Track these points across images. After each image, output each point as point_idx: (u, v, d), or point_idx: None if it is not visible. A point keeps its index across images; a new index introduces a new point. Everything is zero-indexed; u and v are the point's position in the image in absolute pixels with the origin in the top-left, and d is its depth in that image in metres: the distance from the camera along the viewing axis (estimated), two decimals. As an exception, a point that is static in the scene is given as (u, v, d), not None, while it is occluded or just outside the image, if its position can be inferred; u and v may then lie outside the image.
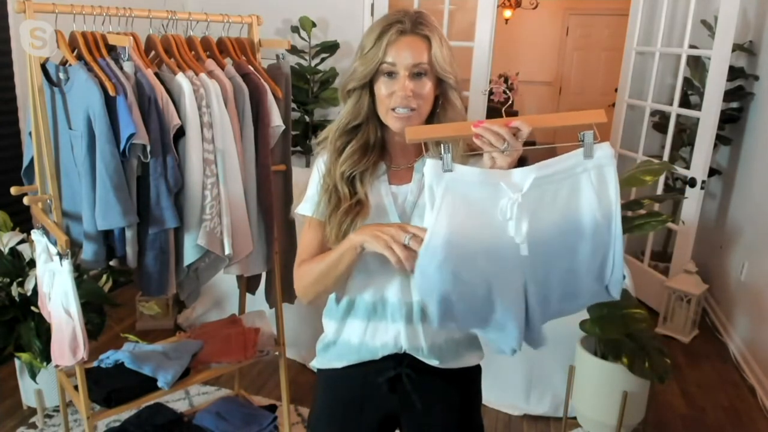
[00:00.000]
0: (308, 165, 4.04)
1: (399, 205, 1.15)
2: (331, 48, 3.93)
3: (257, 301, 2.24)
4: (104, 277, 2.38)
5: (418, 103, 1.10)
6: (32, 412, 2.39)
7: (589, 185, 1.00)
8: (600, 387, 2.26)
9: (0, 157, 2.81)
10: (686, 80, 3.55)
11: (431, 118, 1.16)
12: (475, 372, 1.28)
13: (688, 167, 3.40)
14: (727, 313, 3.36)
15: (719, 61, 3.08)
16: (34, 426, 2.33)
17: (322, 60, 3.97)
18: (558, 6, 7.77)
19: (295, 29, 3.93)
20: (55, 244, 1.65)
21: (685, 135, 3.68)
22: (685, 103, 3.58)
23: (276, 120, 1.91)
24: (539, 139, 5.45)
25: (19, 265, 2.21)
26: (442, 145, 0.98)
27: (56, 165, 1.69)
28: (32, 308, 2.12)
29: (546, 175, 0.99)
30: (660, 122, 3.79)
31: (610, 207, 1.01)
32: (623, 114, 3.88)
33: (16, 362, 2.29)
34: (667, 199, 3.30)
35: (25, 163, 1.85)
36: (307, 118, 4.01)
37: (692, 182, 3.30)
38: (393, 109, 1.10)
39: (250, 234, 1.89)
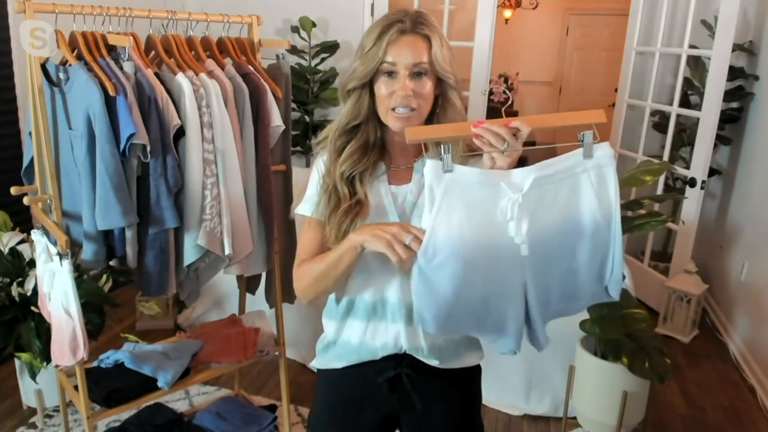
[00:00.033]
0: (308, 165, 4.04)
1: (399, 206, 1.15)
2: (331, 48, 3.93)
3: (257, 301, 2.24)
4: (104, 277, 2.39)
5: (418, 103, 1.10)
6: (32, 412, 2.39)
7: (588, 185, 1.00)
8: (600, 387, 2.26)
9: (0, 157, 2.81)
10: (686, 80, 3.55)
11: (431, 118, 1.16)
12: (475, 372, 1.28)
13: (688, 167, 3.40)
14: (727, 313, 3.36)
15: (719, 61, 3.08)
16: (34, 426, 2.33)
17: (322, 60, 3.97)
18: (558, 6, 7.77)
19: (295, 29, 3.93)
20: (55, 244, 1.65)
21: (685, 135, 3.68)
22: (685, 103, 3.58)
23: (276, 120, 1.91)
24: (539, 139, 5.44)
25: (19, 265, 2.21)
26: (442, 145, 0.98)
27: (56, 165, 1.69)
28: (32, 308, 2.12)
29: (546, 175, 0.99)
30: (660, 122, 3.79)
31: (610, 207, 1.01)
32: (623, 114, 3.88)
33: (16, 362, 2.29)
34: (667, 199, 3.30)
35: (25, 163, 1.85)
36: (307, 118, 4.01)
37: (692, 182, 3.30)
38: (393, 109, 1.10)
39: (250, 234, 1.89)
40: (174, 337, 2.18)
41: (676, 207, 3.64)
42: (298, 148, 4.01)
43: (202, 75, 1.75)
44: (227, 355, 2.02)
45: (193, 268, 1.86)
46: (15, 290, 2.15)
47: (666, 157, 3.55)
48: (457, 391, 1.25)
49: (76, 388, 1.75)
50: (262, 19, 2.06)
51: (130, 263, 1.74)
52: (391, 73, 1.10)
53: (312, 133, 3.98)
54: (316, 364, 1.30)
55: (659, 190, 3.59)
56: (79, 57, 1.65)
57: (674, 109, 3.48)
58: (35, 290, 2.05)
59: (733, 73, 3.36)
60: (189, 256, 1.78)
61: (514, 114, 6.39)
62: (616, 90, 4.09)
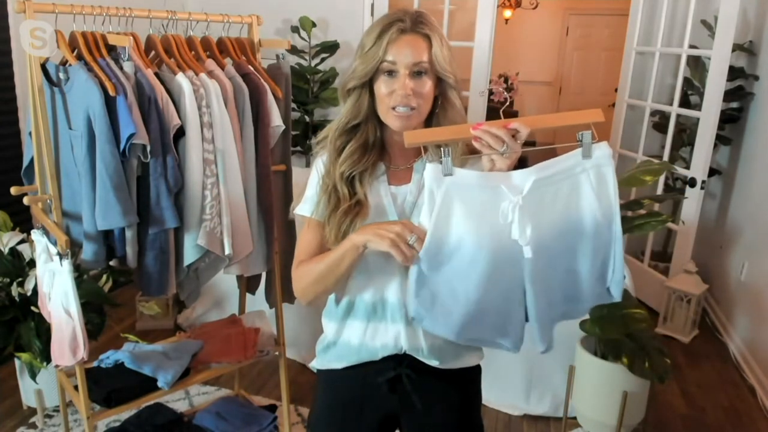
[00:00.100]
0: (308, 165, 4.04)
1: (398, 206, 1.15)
2: (331, 48, 3.93)
3: (257, 301, 2.24)
4: (104, 277, 2.38)
5: (418, 102, 1.10)
6: (32, 412, 2.39)
7: (588, 185, 1.00)
8: (600, 387, 2.26)
9: (0, 157, 2.81)
10: (686, 80, 3.55)
11: (431, 118, 1.16)
12: (475, 372, 1.28)
13: (688, 167, 3.40)
14: (727, 313, 3.36)
15: (719, 61, 3.08)
16: (34, 426, 2.33)
17: (322, 60, 3.97)
18: (558, 6, 7.77)
19: (295, 29, 3.93)
20: (55, 244, 1.65)
21: (685, 135, 3.68)
22: (685, 103, 3.58)
23: (276, 120, 1.91)
24: (539, 139, 5.45)
25: (19, 265, 2.21)
26: (441, 148, 0.98)
27: (56, 165, 1.69)
28: (32, 308, 2.12)
29: (546, 177, 0.99)
30: (660, 122, 3.79)
31: (610, 207, 1.01)
32: (623, 114, 3.88)
33: (16, 362, 2.29)
34: (667, 199, 3.30)
35: (25, 163, 1.85)
36: (307, 118, 4.01)
37: (692, 182, 3.30)
38: (393, 108, 1.10)
39: (250, 234, 1.89)
40: (174, 337, 2.18)
41: (676, 207, 3.64)
42: (298, 148, 4.01)
43: (202, 75, 1.75)
44: (227, 355, 2.02)
45: (193, 268, 1.86)
46: (15, 290, 2.15)
47: (666, 157, 3.55)
48: (457, 391, 1.24)
49: (76, 388, 1.75)
50: (262, 19, 2.06)
51: (130, 263, 1.74)
52: (391, 72, 1.09)
53: (312, 133, 3.98)
54: (315, 365, 1.30)
55: (659, 190, 3.59)
56: (79, 57, 1.65)
57: (674, 109, 3.48)
58: (35, 290, 2.05)
59: (733, 73, 3.36)
60: (189, 256, 1.78)
61: (514, 114, 6.39)
62: (616, 90, 4.09)
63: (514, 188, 0.98)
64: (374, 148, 1.16)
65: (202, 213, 1.74)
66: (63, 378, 1.93)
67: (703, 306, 3.44)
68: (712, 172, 3.57)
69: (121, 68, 1.65)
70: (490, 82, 3.91)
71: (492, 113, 4.05)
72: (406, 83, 1.08)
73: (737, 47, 3.39)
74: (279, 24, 4.04)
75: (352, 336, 1.19)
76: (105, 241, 1.70)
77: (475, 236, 0.99)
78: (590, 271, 1.03)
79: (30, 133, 1.76)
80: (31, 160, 1.79)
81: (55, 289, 1.69)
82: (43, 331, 2.11)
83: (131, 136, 1.57)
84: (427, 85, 1.10)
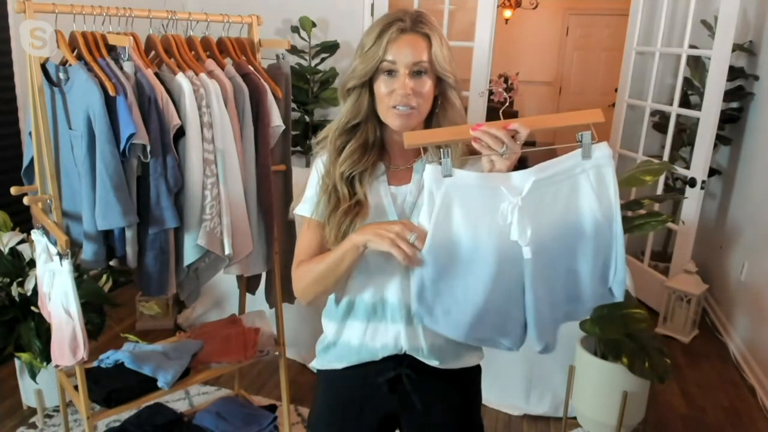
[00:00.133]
0: (308, 165, 4.04)
1: (398, 206, 1.15)
2: (331, 48, 3.93)
3: (257, 301, 2.24)
4: (104, 277, 2.39)
5: (418, 102, 1.10)
6: (32, 412, 2.39)
7: (588, 186, 1.00)
8: (600, 387, 2.26)
9: (0, 157, 2.81)
10: (686, 80, 3.55)
11: (431, 118, 1.16)
12: (475, 372, 1.28)
13: (688, 167, 3.41)
14: (727, 313, 3.36)
15: (719, 61, 3.08)
16: (34, 426, 2.33)
17: (322, 60, 3.97)
18: (558, 6, 7.77)
19: (295, 29, 3.93)
20: (55, 244, 1.65)
21: (685, 135, 3.68)
22: (685, 103, 3.58)
23: (276, 120, 1.91)
24: (539, 139, 5.45)
25: (19, 265, 2.21)
26: (441, 149, 0.98)
27: (56, 165, 1.69)
28: (32, 308, 2.12)
29: (545, 177, 0.99)
30: (660, 122, 3.79)
31: (611, 207, 1.01)
32: (623, 114, 3.88)
33: (16, 362, 2.29)
34: (667, 199, 3.30)
35: (25, 163, 1.85)
36: (307, 118, 4.01)
37: (692, 182, 3.30)
38: (393, 107, 1.10)
39: (250, 234, 1.89)
40: (174, 337, 2.18)
41: (676, 207, 3.64)
42: (298, 148, 4.01)
43: (202, 75, 1.75)
44: (227, 355, 2.02)
45: (193, 268, 1.86)
46: (15, 290, 2.15)
47: (666, 157, 3.55)
48: (457, 391, 1.25)
49: (76, 388, 1.75)
50: (262, 19, 2.06)
51: (130, 263, 1.74)
52: (390, 72, 1.09)
53: (312, 133, 3.98)
54: (315, 365, 1.30)
55: (659, 190, 3.59)
56: (79, 57, 1.65)
57: (674, 109, 3.48)
58: (35, 290, 2.05)
59: (733, 73, 3.36)
60: (189, 256, 1.78)
61: (514, 114, 6.39)
62: (616, 90, 4.09)
63: (513, 189, 0.98)
64: (374, 148, 1.16)
65: (202, 213, 1.74)
66: (63, 378, 1.93)
67: (703, 306, 3.44)
68: (712, 172, 3.57)
69: (121, 68, 1.66)
70: (490, 82, 3.90)
71: (492, 113, 4.05)
72: (406, 83, 1.08)
73: (737, 47, 3.39)
74: (279, 24, 4.04)
75: (352, 336, 1.19)
76: (105, 241, 1.70)
77: (474, 237, 0.99)
78: (591, 272, 1.03)
79: (30, 133, 1.76)
80: (31, 160, 1.79)
81: (55, 289, 1.69)
82: (43, 331, 2.11)
83: (131, 136, 1.57)
84: (427, 84, 1.10)
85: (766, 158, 3.14)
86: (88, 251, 1.68)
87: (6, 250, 2.21)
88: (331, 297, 1.23)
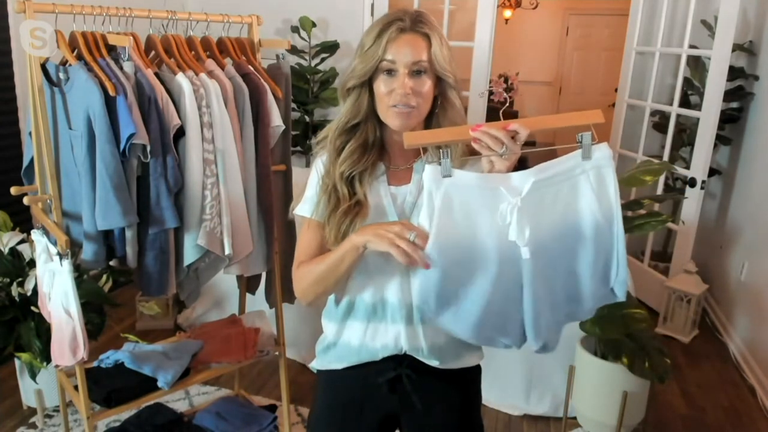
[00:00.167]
0: (308, 165, 4.04)
1: (398, 206, 1.15)
2: (331, 48, 3.93)
3: (257, 301, 2.24)
4: (104, 277, 2.39)
5: (417, 101, 1.09)
6: (32, 412, 2.39)
7: (588, 187, 1.00)
8: (600, 387, 2.26)
9: (0, 157, 2.81)
10: (686, 80, 3.55)
11: (430, 118, 1.16)
12: (475, 372, 1.28)
13: (688, 167, 3.41)
14: (727, 313, 3.36)
15: (719, 61, 3.08)
16: (34, 426, 2.33)
17: (322, 60, 3.97)
18: (558, 6, 7.77)
19: (295, 29, 3.93)
20: (55, 244, 1.65)
21: (685, 135, 3.68)
22: (685, 103, 3.58)
23: (276, 120, 1.91)
24: (539, 139, 5.45)
25: (19, 265, 2.21)
26: (441, 149, 0.98)
27: (56, 165, 1.69)
28: (32, 308, 2.12)
29: (545, 178, 0.99)
30: (660, 122, 3.79)
31: (611, 208, 1.01)
32: (623, 114, 3.88)
33: (16, 362, 2.29)
34: (667, 199, 3.30)
35: (25, 163, 1.85)
36: (307, 118, 4.01)
37: (692, 182, 3.30)
38: (392, 106, 1.10)
39: (250, 234, 1.89)
40: (174, 337, 2.18)
41: (676, 207, 3.64)
42: (298, 148, 4.01)
43: (202, 75, 1.75)
44: (227, 355, 2.02)
45: (193, 268, 1.86)
46: (15, 290, 2.15)
47: (666, 157, 3.55)
48: (457, 391, 1.25)
49: (76, 388, 1.75)
50: (262, 19, 2.06)
51: (130, 263, 1.74)
52: (390, 71, 1.09)
53: (312, 133, 3.98)
54: (315, 365, 1.30)
55: (659, 190, 3.59)
56: (79, 57, 1.65)
57: (674, 109, 3.48)
58: (35, 290, 2.05)
59: (733, 73, 3.36)
60: (189, 256, 1.78)
61: (514, 114, 6.39)
62: (616, 90, 4.09)
63: (513, 190, 0.98)
64: (374, 147, 1.16)
65: (202, 213, 1.75)
66: (63, 378, 1.93)
67: (703, 306, 3.44)
68: (712, 172, 3.57)
69: (121, 68, 1.66)
70: (490, 83, 3.90)
71: (492, 113, 4.05)
72: (405, 82, 1.08)
73: (737, 47, 3.39)
74: (279, 24, 4.04)
75: (352, 337, 1.19)
76: (105, 241, 1.70)
77: (474, 237, 0.99)
78: (592, 273, 1.03)
79: (30, 133, 1.76)
80: (31, 160, 1.79)
81: (55, 289, 1.69)
82: (43, 331, 2.11)
83: (131, 136, 1.57)
84: (427, 84, 1.10)
85: (766, 158, 3.14)
86: (88, 251, 1.68)
87: (6, 250, 2.21)
88: (331, 297, 1.22)
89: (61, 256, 1.62)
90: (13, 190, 1.71)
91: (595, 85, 7.63)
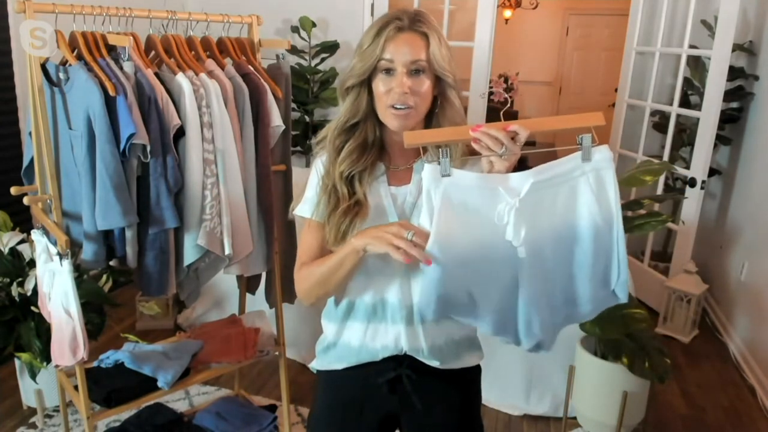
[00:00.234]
0: (308, 165, 4.04)
1: (398, 206, 1.15)
2: (331, 48, 3.93)
3: (257, 301, 2.24)
4: (104, 277, 2.39)
5: (416, 101, 1.09)
6: (32, 412, 2.39)
7: (588, 189, 1.00)
8: (600, 387, 2.26)
9: (0, 157, 2.81)
10: (686, 80, 3.55)
11: (430, 118, 1.16)
12: (475, 372, 1.28)
13: (688, 167, 3.41)
14: (727, 313, 3.36)
15: (719, 61, 3.08)
16: (34, 426, 2.33)
17: (322, 60, 3.97)
18: (558, 6, 7.77)
19: (295, 29, 3.93)
20: (55, 244, 1.65)
21: (685, 135, 3.68)
22: (685, 103, 3.58)
23: (276, 120, 1.91)
24: (539, 139, 5.44)
25: (19, 265, 2.21)
26: (440, 149, 0.98)
27: (56, 165, 1.69)
28: (32, 308, 2.12)
29: (544, 180, 0.99)
30: (660, 122, 3.79)
31: (611, 210, 1.01)
32: (623, 114, 3.88)
33: (16, 362, 2.29)
34: (667, 199, 3.30)
35: (25, 163, 1.85)
36: (307, 118, 4.01)
37: (692, 182, 3.30)
38: (391, 107, 1.10)
39: (250, 234, 1.89)
40: (174, 337, 2.18)
41: (676, 207, 3.64)
42: (298, 148, 4.01)
43: (202, 75, 1.75)
44: (227, 355, 2.02)
45: (193, 268, 1.86)
46: (15, 290, 2.15)
47: (666, 157, 3.55)
48: (457, 391, 1.25)
49: (76, 388, 1.75)
50: (262, 19, 2.06)
51: (130, 263, 1.74)
52: (388, 71, 1.09)
53: (312, 133, 3.98)
54: (315, 365, 1.30)
55: (659, 190, 3.59)
56: (79, 57, 1.65)
57: (674, 109, 3.48)
58: (35, 290, 2.05)
59: (733, 73, 3.36)
60: (189, 256, 1.78)
61: (514, 114, 6.39)
62: (616, 90, 4.09)
63: (511, 190, 0.98)
64: (373, 147, 1.16)
65: (202, 213, 1.75)
66: (63, 378, 1.93)
67: (703, 306, 3.44)
68: (712, 172, 3.57)
69: (121, 68, 1.66)
70: (491, 83, 3.90)
71: (492, 113, 4.05)
72: (404, 81, 1.08)
73: (737, 47, 3.39)
74: (279, 24, 4.04)
75: (352, 337, 1.19)
76: (105, 241, 1.70)
77: (472, 237, 0.99)
78: (591, 276, 1.03)
79: (30, 133, 1.76)
80: (31, 160, 1.79)
81: (55, 289, 1.69)
82: (43, 331, 2.11)
83: (131, 136, 1.57)
84: (425, 83, 1.10)
85: (766, 158, 3.14)
86: (88, 251, 1.68)
87: (6, 250, 2.21)
88: (331, 298, 1.22)
89: (61, 256, 1.62)
90: (13, 190, 1.71)
91: (595, 85, 7.64)
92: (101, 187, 1.59)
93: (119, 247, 1.71)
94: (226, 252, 1.79)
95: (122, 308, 3.08)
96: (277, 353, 2.16)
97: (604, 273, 1.03)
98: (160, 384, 1.82)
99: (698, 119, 3.27)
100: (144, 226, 1.71)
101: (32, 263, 2.14)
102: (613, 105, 4.09)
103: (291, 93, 2.07)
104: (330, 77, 3.96)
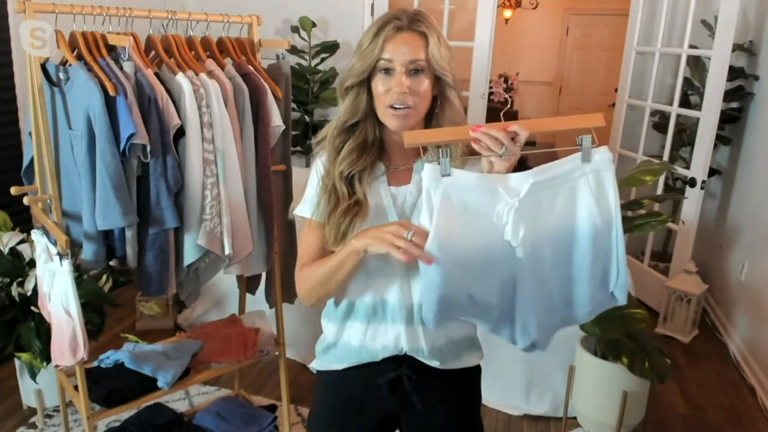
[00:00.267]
0: (308, 165, 4.04)
1: (398, 206, 1.15)
2: (331, 48, 3.93)
3: (257, 301, 2.24)
4: (104, 277, 2.39)
5: (415, 101, 1.09)
6: (32, 412, 2.39)
7: (587, 190, 1.00)
8: (600, 387, 2.26)
9: (0, 157, 2.81)
10: (686, 80, 3.55)
11: (430, 118, 1.16)
12: (475, 372, 1.28)
13: (688, 167, 3.41)
14: (727, 313, 3.36)
15: (719, 61, 3.08)
16: (34, 426, 2.33)
17: (322, 60, 3.97)
18: (558, 6, 7.77)
19: (295, 29, 3.93)
20: (55, 244, 1.65)
21: (685, 135, 3.68)
22: (685, 103, 3.58)
23: (276, 120, 1.91)
24: (540, 140, 5.44)
25: (19, 265, 2.21)
26: (440, 149, 0.98)
27: (56, 165, 1.69)
28: (32, 308, 2.12)
29: (544, 180, 0.99)
30: (660, 122, 3.79)
31: (610, 212, 1.01)
32: (623, 114, 3.88)
33: (16, 362, 2.29)
34: (667, 199, 3.30)
35: (25, 163, 1.85)
36: (307, 118, 4.01)
37: (692, 182, 3.30)
38: (390, 107, 1.09)
39: (250, 234, 1.89)
40: (174, 337, 2.18)
41: (676, 207, 3.64)
42: (298, 148, 4.01)
43: (202, 75, 1.75)
44: (227, 355, 2.02)
45: (193, 268, 1.86)
46: (15, 290, 2.15)
47: (666, 157, 3.55)
48: (457, 391, 1.25)
49: (76, 388, 1.75)
50: (262, 19, 2.06)
51: (130, 263, 1.74)
52: (387, 71, 1.09)
53: (312, 133, 3.98)
54: (315, 366, 1.30)
55: (659, 190, 3.59)
56: (79, 57, 1.65)
57: (674, 109, 3.48)
58: (35, 290, 2.05)
59: (733, 73, 3.36)
60: (189, 256, 1.78)
61: (514, 114, 6.39)
62: (616, 90, 4.09)
63: (511, 191, 0.98)
64: (373, 147, 1.16)
65: (202, 213, 1.75)
66: (63, 378, 1.93)
67: (703, 306, 3.44)
68: (712, 172, 3.57)
69: (121, 68, 1.66)
70: (490, 83, 3.90)
71: (492, 113, 4.05)
72: (403, 81, 1.08)
73: (737, 47, 3.39)
74: (279, 24, 4.04)
75: (352, 337, 1.19)
76: (105, 241, 1.70)
77: (471, 236, 0.99)
78: (590, 277, 1.03)
79: (30, 133, 1.76)
80: (31, 160, 1.79)
81: (55, 289, 1.69)
82: (43, 331, 2.11)
83: (131, 136, 1.57)
84: (424, 83, 1.10)
85: (766, 158, 3.14)
86: (88, 251, 1.68)
87: (6, 250, 2.21)
88: (331, 298, 1.22)
89: (61, 256, 1.62)
90: (13, 190, 1.71)
91: (595, 85, 7.64)
92: (101, 187, 1.59)
93: (119, 247, 1.71)
94: (226, 252, 1.79)
95: (122, 308, 3.08)
96: (277, 353, 2.16)
97: (603, 275, 1.03)
98: (160, 384, 1.82)
99: (698, 119, 3.27)
100: (144, 226, 1.71)
101: (32, 263, 2.14)
102: (613, 105, 4.09)
103: (291, 93, 2.07)
104: (330, 77, 3.96)
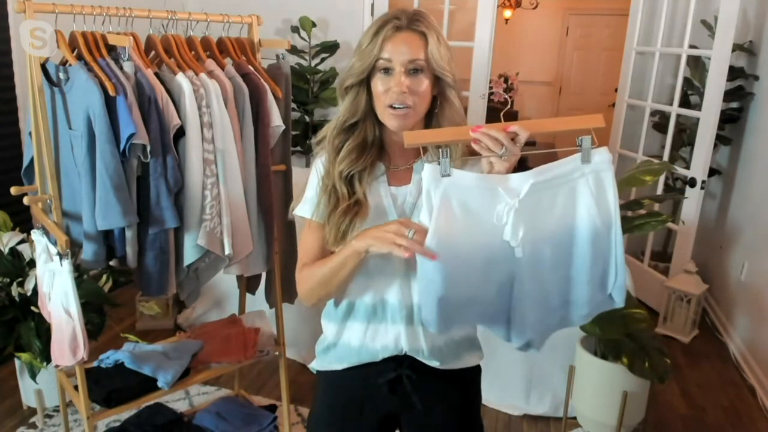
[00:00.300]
0: (308, 165, 4.04)
1: (398, 206, 1.15)
2: (331, 48, 3.93)
3: (257, 301, 2.24)
4: (104, 277, 2.39)
5: (414, 101, 1.09)
6: (32, 412, 2.39)
7: (587, 190, 1.00)
8: (600, 387, 2.26)
9: (0, 157, 2.81)
10: (686, 80, 3.55)
11: (430, 118, 1.16)
12: (475, 372, 1.28)
13: (688, 167, 3.41)
14: (727, 313, 3.36)
15: (719, 61, 3.08)
16: (34, 426, 2.33)
17: (322, 60, 3.97)
18: (558, 6, 7.77)
19: (295, 29, 3.93)
20: (55, 244, 1.65)
21: (685, 135, 3.68)
22: (685, 103, 3.58)
23: (276, 120, 1.91)
24: (540, 140, 5.44)
25: (19, 265, 2.21)
26: (440, 149, 0.98)
27: (56, 165, 1.69)
28: (32, 308, 2.12)
29: (543, 181, 0.99)
30: (660, 122, 3.79)
31: (609, 213, 1.01)
32: (623, 114, 3.88)
33: (16, 362, 2.29)
34: (667, 199, 3.30)
35: (25, 163, 1.85)
36: (307, 118, 4.01)
37: (692, 182, 3.30)
38: (389, 106, 1.09)
39: (250, 234, 1.89)
40: (174, 337, 2.18)
41: (676, 207, 3.64)
42: (298, 148, 4.01)
43: (202, 75, 1.75)
44: (227, 355, 2.02)
45: (193, 268, 1.86)
46: (15, 290, 2.15)
47: (666, 157, 3.55)
48: (457, 391, 1.25)
49: (76, 388, 1.75)
50: (262, 19, 2.06)
51: (130, 263, 1.74)
52: (387, 70, 1.09)
53: (312, 133, 3.98)
54: (315, 366, 1.30)
55: (659, 190, 3.59)
56: (79, 57, 1.65)
57: (674, 109, 3.48)
58: (35, 290, 2.05)
59: (733, 73, 3.36)
60: (189, 256, 1.78)
61: (514, 114, 6.39)
62: (616, 90, 4.09)
63: (511, 191, 0.98)
64: (373, 147, 1.16)
65: (202, 213, 1.75)
66: (63, 378, 1.93)
67: (703, 306, 3.44)
68: (712, 172, 3.57)
69: (121, 68, 1.66)
70: (490, 83, 3.90)
71: (492, 113, 4.05)
72: (402, 80, 1.08)
73: (737, 47, 3.39)
74: (279, 24, 4.04)
75: (352, 337, 1.19)
76: (105, 241, 1.70)
77: (471, 236, 0.99)
78: (589, 278, 1.03)
79: (30, 133, 1.76)
80: (31, 160, 1.79)
81: (55, 289, 1.69)
82: (43, 331, 2.11)
83: (131, 136, 1.57)
84: (424, 83, 1.10)
85: (766, 158, 3.14)
86: (88, 251, 1.68)
87: (6, 250, 2.21)
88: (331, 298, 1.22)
89: (61, 256, 1.62)
90: (13, 190, 1.71)
91: (595, 85, 7.63)
92: (101, 187, 1.59)
93: (119, 247, 1.71)
94: (226, 252, 1.79)
95: (122, 308, 3.08)
96: (277, 353, 2.16)
97: (602, 276, 1.03)
98: (160, 384, 1.82)
99: (698, 119, 3.27)
100: (144, 226, 1.71)
101: (32, 263, 2.14)
102: (613, 105, 4.09)
103: (291, 93, 2.07)
104: (330, 77, 3.96)
